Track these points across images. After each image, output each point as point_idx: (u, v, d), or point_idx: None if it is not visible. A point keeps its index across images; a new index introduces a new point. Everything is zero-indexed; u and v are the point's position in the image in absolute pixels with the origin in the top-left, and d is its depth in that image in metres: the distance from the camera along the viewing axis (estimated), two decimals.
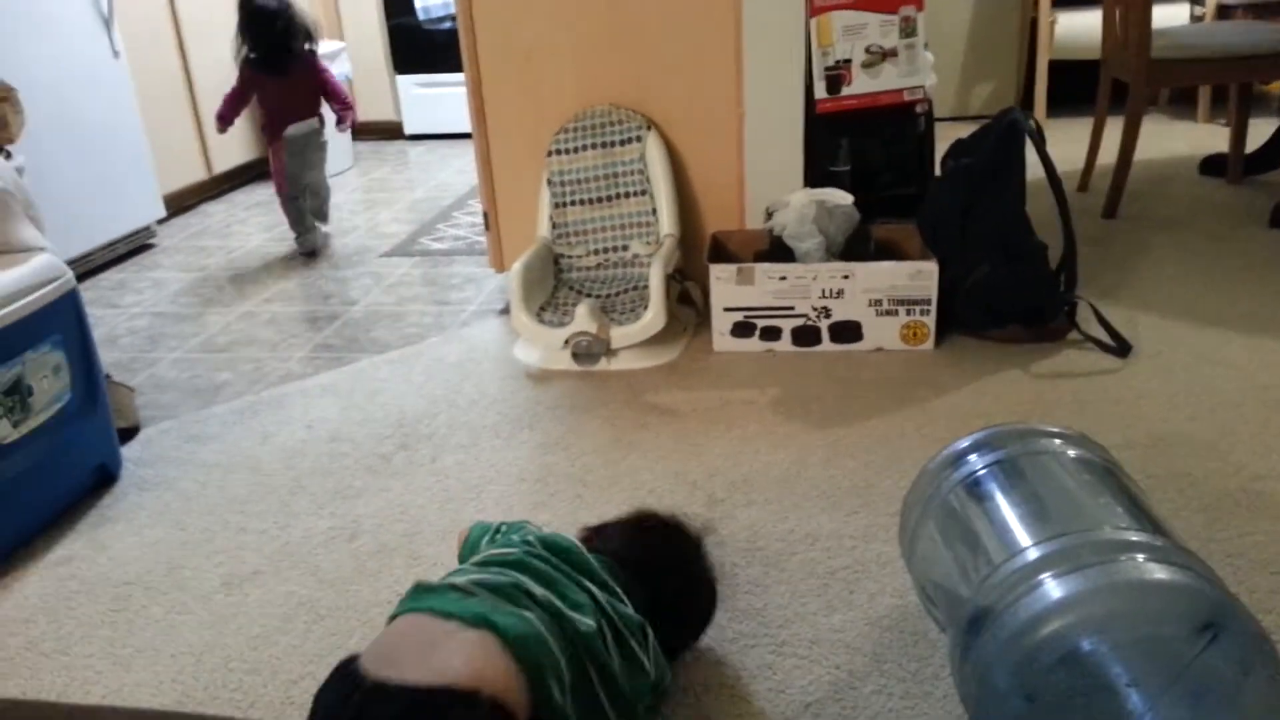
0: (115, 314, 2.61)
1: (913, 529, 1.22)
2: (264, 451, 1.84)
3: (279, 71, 2.93)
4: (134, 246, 3.15)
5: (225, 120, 2.98)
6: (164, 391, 2.12)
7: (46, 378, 1.59)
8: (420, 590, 1.04)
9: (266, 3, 2.87)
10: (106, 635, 1.37)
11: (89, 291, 2.77)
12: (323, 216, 3.12)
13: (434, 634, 0.96)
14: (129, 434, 1.90)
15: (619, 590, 1.10)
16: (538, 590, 1.02)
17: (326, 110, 3.06)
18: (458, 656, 0.92)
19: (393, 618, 1.02)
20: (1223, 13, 3.71)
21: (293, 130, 2.96)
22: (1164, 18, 3.21)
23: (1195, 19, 3.78)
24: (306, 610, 1.39)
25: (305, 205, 3.02)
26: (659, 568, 1.18)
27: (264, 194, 3.80)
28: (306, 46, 2.99)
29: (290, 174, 2.98)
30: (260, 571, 1.48)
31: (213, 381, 2.16)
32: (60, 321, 1.62)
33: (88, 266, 2.93)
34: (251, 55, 2.92)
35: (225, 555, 1.53)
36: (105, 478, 1.75)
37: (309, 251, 3.01)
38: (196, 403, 2.06)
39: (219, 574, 1.49)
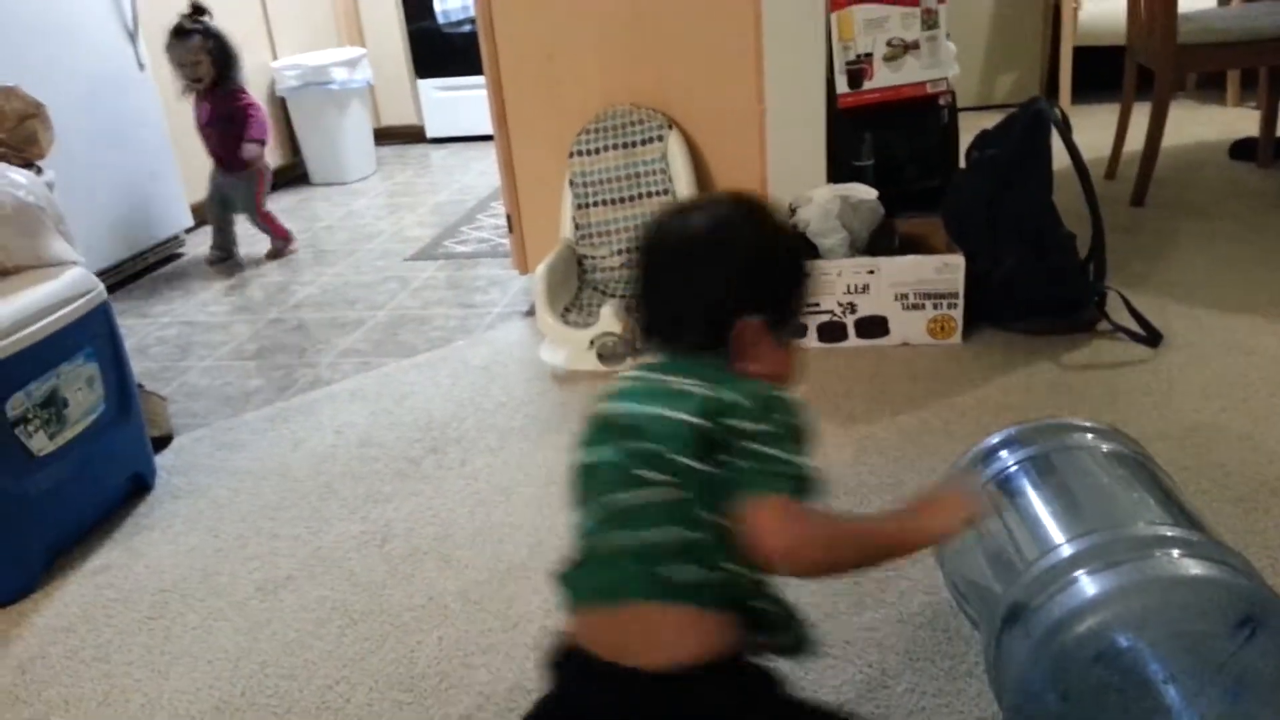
0: (146, 324, 2.65)
1: None
2: (295, 458, 1.86)
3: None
4: (162, 256, 3.18)
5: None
6: (195, 400, 2.15)
7: (81, 390, 1.61)
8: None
9: None
10: (144, 642, 1.39)
11: (119, 302, 2.80)
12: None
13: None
14: (162, 443, 1.93)
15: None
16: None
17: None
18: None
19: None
20: None
21: None
22: (1190, 1, 3.17)
23: (1222, 2, 3.72)
24: (340, 615, 1.40)
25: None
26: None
27: (288, 201, 3.83)
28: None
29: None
30: (293, 577, 1.50)
31: (243, 389, 2.18)
32: (93, 334, 1.64)
33: (117, 277, 2.97)
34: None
35: (259, 561, 1.55)
36: (140, 486, 1.78)
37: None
38: (228, 410, 2.08)
39: (253, 580, 1.50)
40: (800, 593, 1.33)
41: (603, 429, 0.92)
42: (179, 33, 2.94)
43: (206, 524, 1.67)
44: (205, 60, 2.95)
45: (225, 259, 3.11)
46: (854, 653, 1.23)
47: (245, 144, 3.05)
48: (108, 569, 1.57)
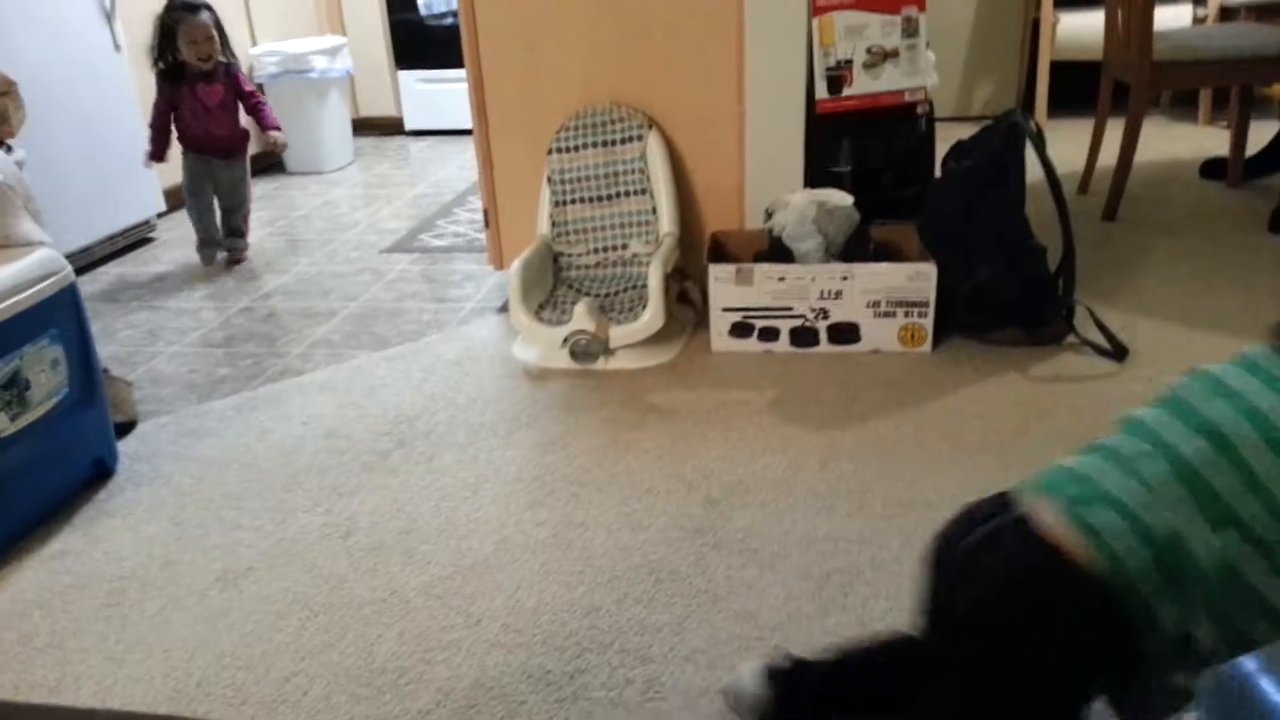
0: (114, 308, 2.61)
1: None
2: (261, 447, 1.84)
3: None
4: (133, 240, 3.15)
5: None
6: (162, 386, 2.13)
7: (44, 371, 1.59)
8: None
9: None
10: (100, 630, 1.37)
11: (88, 285, 2.77)
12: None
13: None
14: (126, 428, 1.90)
15: None
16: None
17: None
18: None
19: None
20: (1225, 15, 3.70)
21: None
22: (1166, 19, 3.20)
23: (1197, 21, 3.77)
24: (300, 607, 1.39)
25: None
26: None
27: (263, 189, 3.79)
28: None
29: None
30: (254, 567, 1.49)
31: (210, 377, 2.16)
32: (59, 316, 1.62)
33: (87, 260, 2.93)
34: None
35: (220, 551, 1.53)
36: (102, 472, 1.75)
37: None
38: (194, 398, 2.06)
39: (214, 570, 1.49)
40: (764, 597, 1.34)
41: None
42: (189, 8, 2.77)
43: (168, 512, 1.65)
44: (214, 38, 2.81)
45: (216, 249, 2.96)
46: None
47: (269, 131, 2.97)
48: (65, 554, 1.55)
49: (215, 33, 2.80)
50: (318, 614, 1.37)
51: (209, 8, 2.81)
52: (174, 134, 2.87)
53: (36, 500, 1.62)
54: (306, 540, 1.55)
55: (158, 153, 2.88)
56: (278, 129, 3.00)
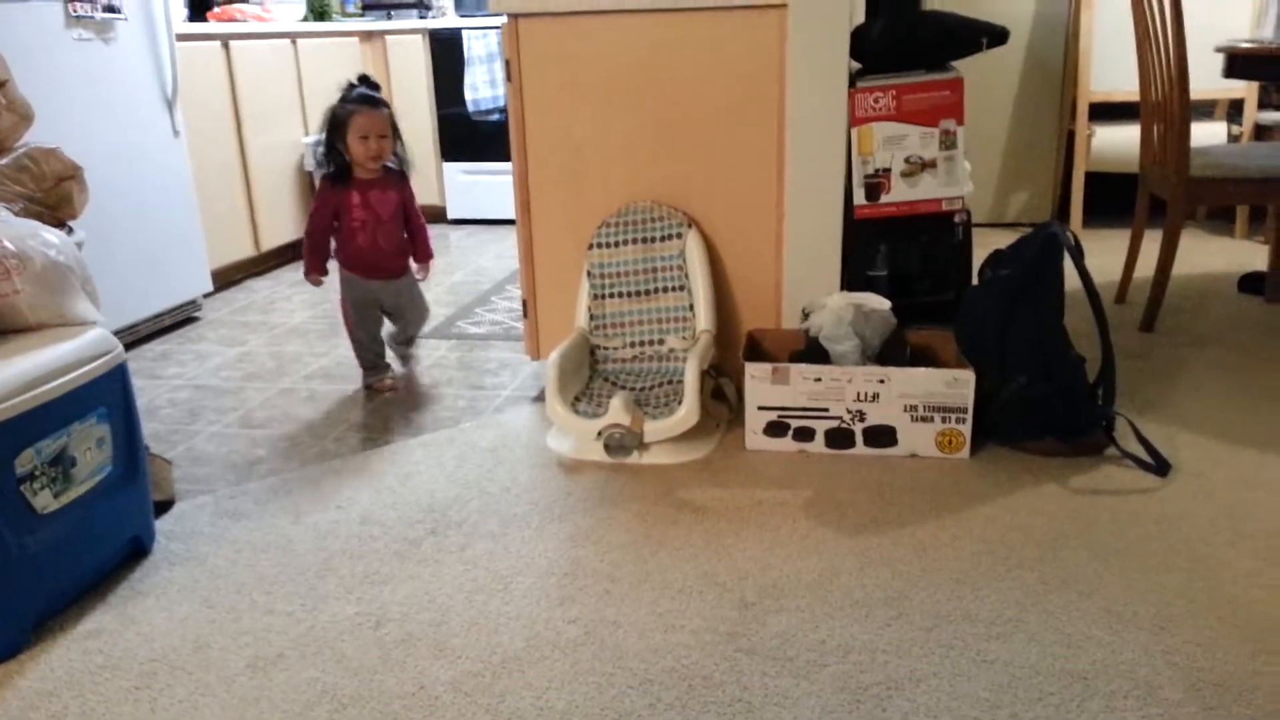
0: (157, 385, 2.66)
1: None
2: (295, 531, 1.84)
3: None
4: (179, 319, 3.22)
5: None
6: (200, 465, 2.15)
7: (90, 450, 1.61)
8: None
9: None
10: (129, 713, 1.36)
11: (133, 362, 2.82)
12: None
13: None
14: (164, 507, 1.92)
15: None
16: None
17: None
18: None
19: None
20: (1259, 133, 3.75)
21: None
22: (1202, 136, 3.25)
23: (1233, 138, 3.82)
24: (329, 698, 1.38)
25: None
26: None
27: None
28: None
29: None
30: (285, 655, 1.48)
31: (249, 457, 2.18)
32: (108, 395, 1.65)
33: (133, 337, 2.99)
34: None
35: (251, 636, 1.53)
36: (138, 550, 1.76)
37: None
38: (232, 478, 2.08)
39: (244, 655, 1.48)
40: (799, 708, 1.31)
41: None
42: (369, 100, 2.42)
43: (202, 593, 1.65)
44: (389, 136, 2.45)
45: (387, 371, 2.61)
46: None
47: (425, 261, 2.59)
48: (99, 634, 1.54)
49: (390, 130, 2.45)
50: (346, 706, 1.36)
51: (387, 104, 2.48)
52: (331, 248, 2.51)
53: (73, 577, 1.62)
54: (337, 629, 1.54)
55: (317, 266, 2.49)
56: (432, 259, 2.62)
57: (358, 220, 2.45)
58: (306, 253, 2.50)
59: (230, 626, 1.55)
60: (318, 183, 2.43)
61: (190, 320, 3.26)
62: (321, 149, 2.47)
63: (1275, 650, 1.40)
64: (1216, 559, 1.64)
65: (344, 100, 2.42)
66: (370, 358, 2.59)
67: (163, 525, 1.86)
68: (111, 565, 1.71)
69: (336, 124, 2.41)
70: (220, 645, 1.51)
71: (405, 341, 2.68)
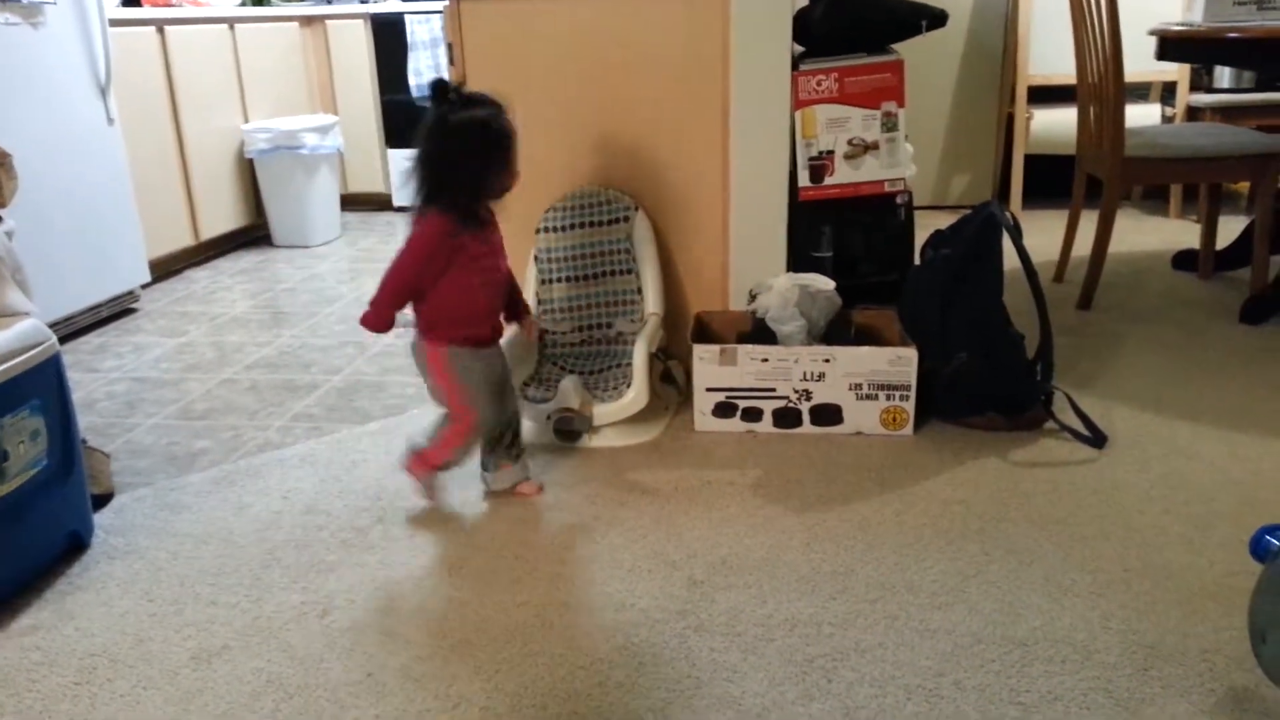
0: (94, 378, 2.60)
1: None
2: (238, 522, 1.82)
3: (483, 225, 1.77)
4: (116, 310, 3.15)
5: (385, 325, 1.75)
6: (140, 458, 2.10)
7: (24, 443, 1.57)
8: None
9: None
10: (68, 710, 1.33)
11: (69, 355, 2.76)
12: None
13: None
14: (102, 501, 1.88)
15: None
16: None
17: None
18: None
19: None
20: (1192, 114, 3.84)
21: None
22: (1136, 117, 3.32)
23: (1166, 119, 3.91)
24: (275, 688, 1.36)
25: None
26: None
27: (249, 261, 3.82)
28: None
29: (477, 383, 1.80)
30: (229, 646, 1.46)
31: (190, 449, 2.14)
32: (41, 386, 1.61)
33: (69, 329, 2.92)
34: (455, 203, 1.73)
35: (195, 628, 1.50)
36: (76, 545, 1.72)
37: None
38: (173, 470, 2.04)
39: (187, 648, 1.46)
40: (747, 682, 1.32)
41: None
42: (509, 131, 1.72)
43: (142, 587, 1.62)
44: None
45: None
46: None
47: (522, 298, 1.97)
48: (35, 630, 1.51)
49: None
50: (292, 695, 1.35)
51: None
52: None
53: (8, 574, 1.58)
54: (283, 619, 1.52)
55: (391, 319, 1.75)
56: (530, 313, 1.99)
57: (484, 273, 1.76)
58: (388, 299, 1.74)
59: (172, 619, 1.53)
60: (421, 213, 1.74)
61: (128, 311, 3.19)
62: (436, 172, 1.72)
63: (1206, 613, 1.45)
64: (1151, 527, 1.68)
65: (493, 109, 1.71)
66: (504, 448, 1.88)
67: (101, 519, 1.83)
68: (48, 560, 1.67)
69: (498, 141, 1.70)
70: (162, 638, 1.48)
71: (516, 433, 1.89)
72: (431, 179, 1.71)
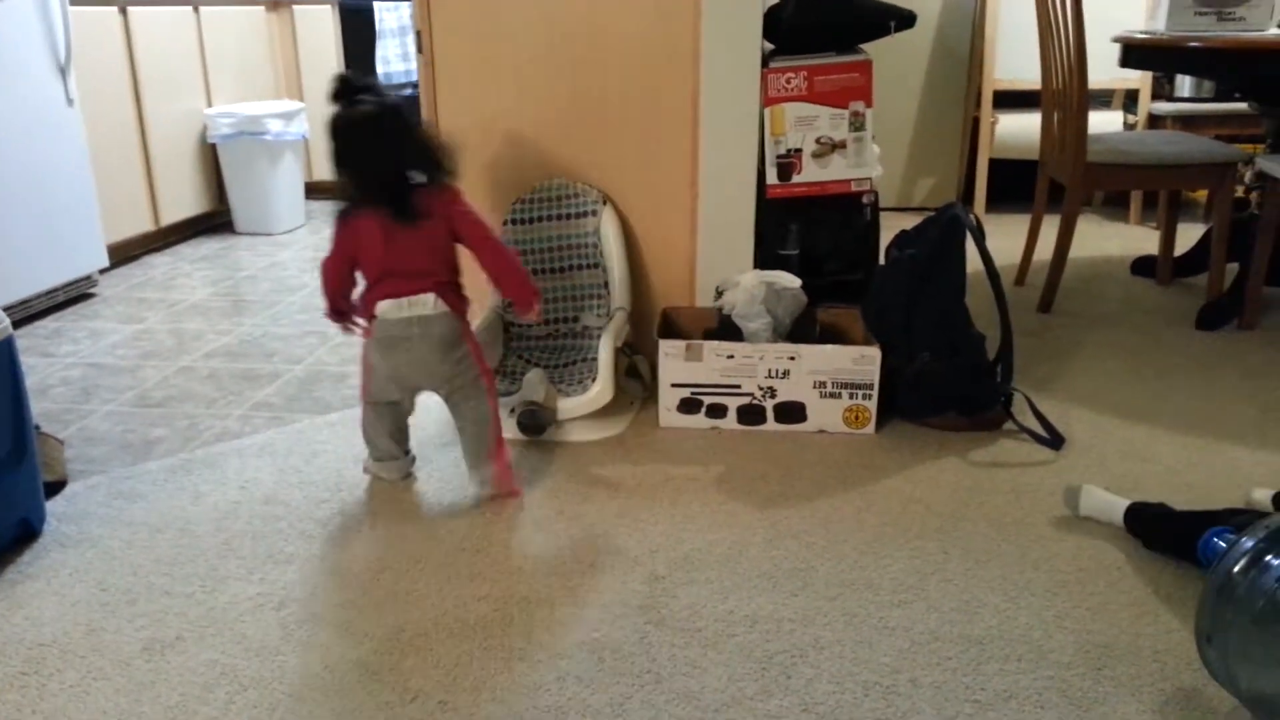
0: (49, 363, 2.55)
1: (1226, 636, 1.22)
2: (195, 512, 1.79)
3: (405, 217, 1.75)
4: (73, 295, 3.08)
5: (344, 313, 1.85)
6: (94, 445, 2.07)
7: None
8: None
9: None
10: (14, 700, 1.31)
11: (24, 339, 2.70)
12: (472, 458, 1.85)
13: None
14: (55, 488, 1.84)
15: None
16: None
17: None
18: None
19: None
20: (1153, 122, 3.90)
21: (386, 310, 1.76)
22: (1099, 124, 3.37)
23: (1128, 127, 3.97)
24: (229, 680, 1.34)
25: (394, 420, 1.90)
26: None
27: (210, 248, 3.76)
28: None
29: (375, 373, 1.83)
30: (183, 637, 1.44)
31: (146, 437, 2.11)
32: None
33: (24, 313, 2.86)
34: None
35: (147, 619, 1.48)
36: (27, 533, 1.69)
37: (386, 478, 1.92)
38: (128, 458, 2.01)
39: (140, 638, 1.43)
40: (706, 677, 1.33)
41: None
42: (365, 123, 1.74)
43: (95, 576, 1.59)
44: None
45: (385, 476, 1.94)
46: None
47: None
48: None
49: None
50: (247, 688, 1.33)
51: None
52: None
53: None
54: (238, 610, 1.50)
55: (331, 308, 1.87)
56: None
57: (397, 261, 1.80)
58: (324, 290, 1.85)
59: (125, 609, 1.50)
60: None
61: (85, 296, 3.13)
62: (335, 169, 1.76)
63: (1157, 613, 1.47)
64: (1107, 529, 1.71)
65: (365, 104, 1.75)
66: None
67: (53, 507, 1.79)
68: None
69: (359, 135, 1.74)
70: (114, 628, 1.46)
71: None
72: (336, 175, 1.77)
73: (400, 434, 1.91)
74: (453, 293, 1.80)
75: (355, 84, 1.74)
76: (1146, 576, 1.56)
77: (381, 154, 1.73)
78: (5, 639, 1.43)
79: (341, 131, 1.72)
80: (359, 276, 1.81)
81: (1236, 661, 1.21)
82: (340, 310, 1.84)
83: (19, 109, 2.81)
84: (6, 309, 1.69)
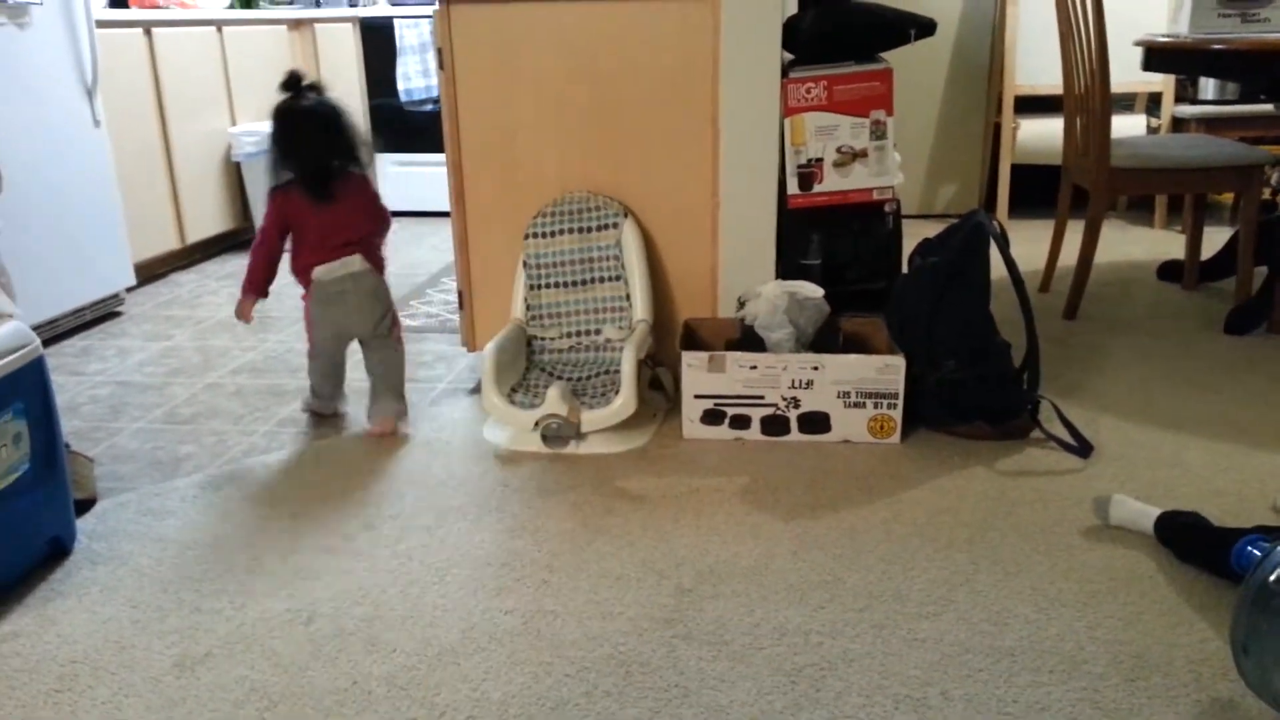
0: (78, 382, 2.58)
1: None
2: (223, 528, 1.80)
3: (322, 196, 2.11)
4: (101, 314, 3.12)
5: (259, 286, 2.21)
6: (124, 463, 2.09)
7: (5, 446, 1.56)
8: None
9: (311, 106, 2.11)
10: (48, 717, 1.32)
11: (53, 358, 2.73)
12: (375, 394, 2.22)
13: None
14: (85, 506, 1.86)
15: None
16: None
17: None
18: None
19: None
20: (1177, 125, 3.87)
21: (322, 273, 2.14)
22: (1122, 128, 3.35)
23: (1151, 130, 3.94)
24: (259, 696, 1.35)
25: (335, 369, 2.26)
26: None
27: (235, 265, 3.79)
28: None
29: (318, 330, 2.20)
30: (213, 653, 1.44)
31: (174, 454, 2.13)
32: (25, 389, 1.59)
33: (53, 332, 2.90)
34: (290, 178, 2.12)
35: (178, 635, 1.49)
36: (58, 551, 1.71)
37: (318, 412, 2.31)
38: (157, 475, 2.02)
39: (170, 655, 1.44)
40: (735, 691, 1.32)
41: None
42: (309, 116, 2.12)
43: (125, 593, 1.60)
44: None
45: (317, 411, 2.34)
46: None
47: None
48: (16, 636, 1.49)
49: None
50: (276, 704, 1.33)
51: None
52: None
53: None
54: (267, 626, 1.51)
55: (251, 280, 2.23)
56: None
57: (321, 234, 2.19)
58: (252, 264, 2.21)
59: (155, 626, 1.51)
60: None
61: (112, 315, 3.16)
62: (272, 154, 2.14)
63: (1191, 623, 1.45)
64: (1137, 537, 1.69)
65: (307, 99, 2.13)
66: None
67: (84, 524, 1.81)
68: (30, 566, 1.65)
69: (296, 126, 2.11)
70: (145, 645, 1.47)
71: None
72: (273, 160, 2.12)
73: (338, 380, 2.29)
74: (374, 254, 2.20)
75: (303, 80, 2.11)
76: (1179, 586, 1.54)
77: (319, 143, 2.09)
78: (39, 656, 1.45)
79: (288, 120, 2.08)
80: (287, 249, 2.18)
81: (1274, 672, 1.19)
82: (258, 287, 2.20)
83: (47, 131, 2.85)
84: (36, 328, 1.71)
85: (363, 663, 1.41)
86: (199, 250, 3.90)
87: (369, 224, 2.20)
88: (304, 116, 2.08)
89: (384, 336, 2.21)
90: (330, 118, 2.11)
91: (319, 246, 2.12)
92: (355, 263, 2.14)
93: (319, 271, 2.12)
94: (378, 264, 2.21)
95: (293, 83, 2.09)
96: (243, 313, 2.21)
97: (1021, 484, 1.89)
